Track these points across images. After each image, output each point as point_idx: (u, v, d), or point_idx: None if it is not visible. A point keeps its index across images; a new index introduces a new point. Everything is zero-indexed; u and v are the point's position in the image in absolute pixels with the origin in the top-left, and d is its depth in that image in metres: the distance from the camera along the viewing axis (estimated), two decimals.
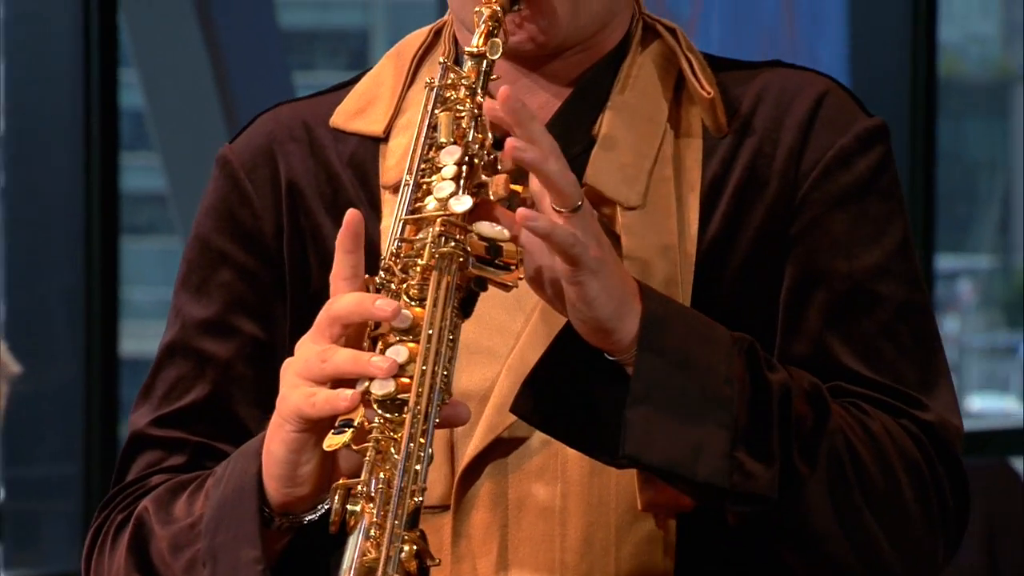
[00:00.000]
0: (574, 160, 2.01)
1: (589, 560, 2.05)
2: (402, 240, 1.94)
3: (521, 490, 2.07)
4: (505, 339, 2.07)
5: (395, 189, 2.06)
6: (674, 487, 2.00)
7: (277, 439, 1.95)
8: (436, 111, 1.99)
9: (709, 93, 2.10)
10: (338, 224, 2.01)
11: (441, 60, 2.03)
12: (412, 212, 1.95)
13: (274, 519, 1.98)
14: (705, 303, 2.06)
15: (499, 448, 2.07)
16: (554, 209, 1.90)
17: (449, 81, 1.99)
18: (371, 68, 2.18)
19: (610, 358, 1.99)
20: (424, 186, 1.95)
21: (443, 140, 1.97)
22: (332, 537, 1.92)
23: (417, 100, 2.07)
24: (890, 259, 2.11)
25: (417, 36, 2.17)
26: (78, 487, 5.03)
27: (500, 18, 2.00)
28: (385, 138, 2.14)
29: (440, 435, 2.00)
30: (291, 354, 2.00)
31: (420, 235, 1.93)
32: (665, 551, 2.06)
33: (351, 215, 1.93)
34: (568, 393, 1.99)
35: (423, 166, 1.97)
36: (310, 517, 1.98)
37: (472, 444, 2.06)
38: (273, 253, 2.14)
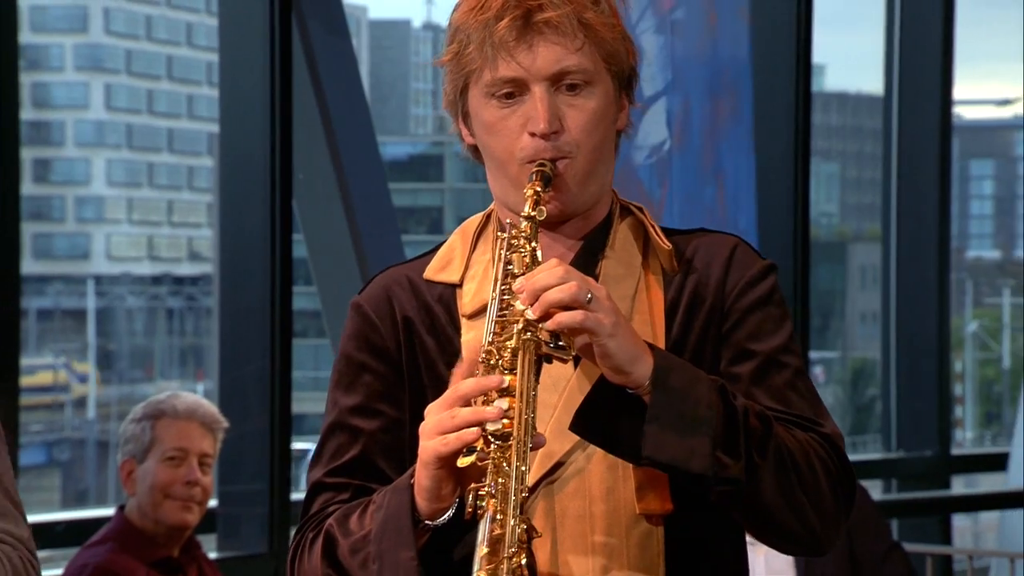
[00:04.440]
0: None
1: (609, 549, 2.03)
2: (495, 334, 1.96)
3: (562, 505, 2.04)
4: (547, 410, 2.03)
5: (470, 316, 2.08)
6: (676, 478, 2.00)
7: (424, 476, 1.96)
8: (508, 253, 2.01)
9: (667, 246, 2.09)
10: (435, 340, 2.09)
11: (508, 222, 2.05)
12: (500, 316, 1.97)
13: (420, 524, 1.98)
14: None
15: (547, 478, 2.03)
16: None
17: (513, 234, 2.00)
18: (445, 240, 2.17)
19: (630, 392, 1.96)
20: (505, 301, 1.98)
21: (516, 271, 1.99)
22: (453, 532, 1.95)
23: (478, 260, 2.10)
24: (786, 342, 2.10)
25: (474, 219, 2.16)
26: (265, 498, 4.96)
27: (540, 196, 2.01)
28: (460, 284, 2.11)
29: None
30: (413, 426, 2.00)
31: (506, 331, 1.95)
32: (657, 540, 2.05)
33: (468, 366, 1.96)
34: (605, 418, 1.96)
35: (503, 287, 1.99)
36: (443, 519, 1.97)
37: (530, 478, 1.99)
38: (396, 361, 2.11)
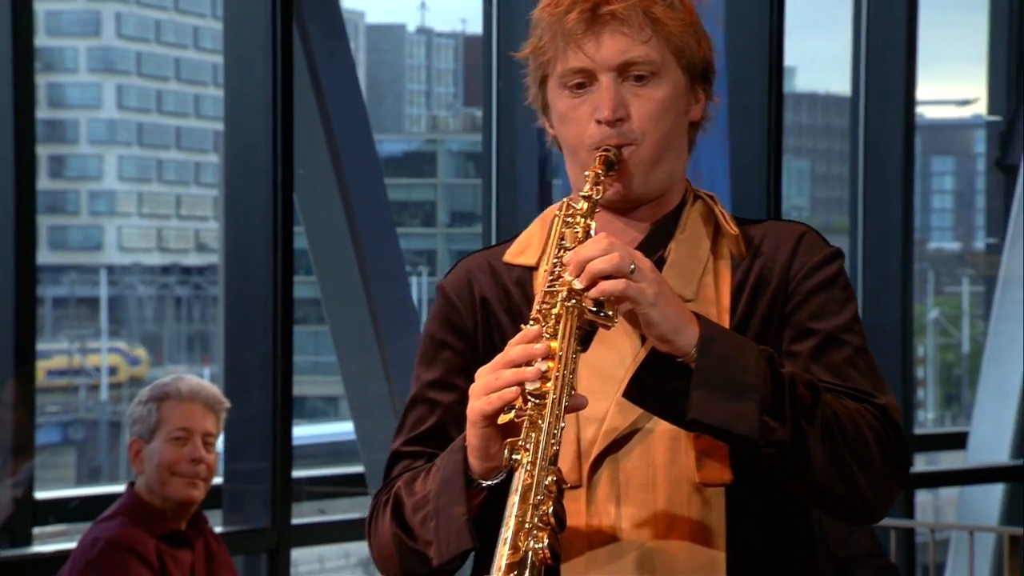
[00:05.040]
0: None
1: (670, 516, 2.01)
2: (543, 302, 1.94)
3: (627, 472, 2.02)
4: (613, 385, 2.02)
5: None
6: (723, 441, 1.97)
7: (472, 436, 1.95)
8: (563, 228, 2.00)
9: (734, 231, 2.09)
10: (511, 320, 2.09)
11: (566, 200, 2.03)
12: (550, 287, 1.95)
13: (473, 483, 1.97)
14: None
15: (612, 449, 2.03)
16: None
17: (570, 212, 1.99)
18: (525, 229, 2.16)
19: (679, 360, 1.96)
20: (556, 273, 1.96)
21: (568, 245, 1.97)
22: (504, 494, 1.91)
23: (554, 245, 2.07)
24: (848, 322, 2.06)
25: (554, 207, 2.14)
26: (267, 475, 4.96)
27: (600, 177, 2.00)
28: (536, 267, 2.10)
29: (573, 443, 2.02)
30: None
31: (552, 299, 1.94)
32: (718, 508, 2.01)
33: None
34: (656, 384, 1.96)
35: (555, 261, 1.97)
36: (497, 479, 1.96)
37: (596, 447, 2.02)
38: (473, 339, 2.11)
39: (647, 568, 2.01)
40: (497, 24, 5.64)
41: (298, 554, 5.15)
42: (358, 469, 5.80)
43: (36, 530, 4.67)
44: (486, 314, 2.10)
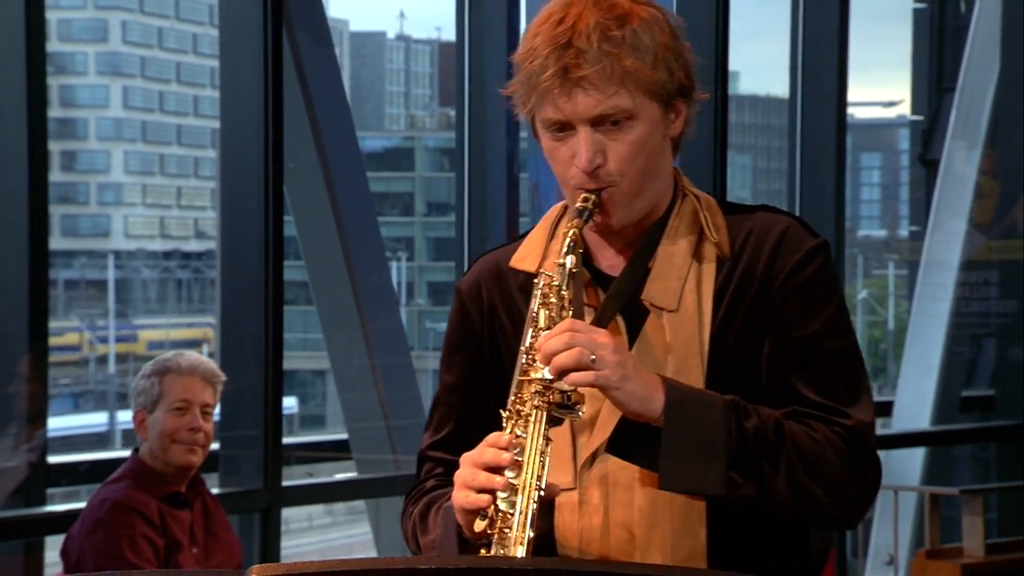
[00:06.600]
0: (639, 286, 1.99)
1: (653, 515, 1.99)
2: (516, 393, 1.92)
3: (615, 475, 1.99)
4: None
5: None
6: None
7: (458, 515, 1.94)
8: (538, 306, 1.94)
9: (715, 238, 2.01)
10: (511, 324, 2.04)
11: (542, 271, 1.97)
12: (524, 373, 1.92)
13: (469, 543, 1.94)
14: (716, 363, 1.97)
15: (601, 452, 1.99)
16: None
17: (546, 280, 1.93)
18: (532, 228, 2.11)
19: (653, 424, 1.92)
20: (532, 355, 1.92)
21: (542, 326, 1.92)
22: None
23: (555, 249, 2.00)
24: (826, 324, 1.98)
25: (555, 208, 2.09)
26: (260, 442, 4.93)
27: (577, 238, 1.94)
28: (535, 274, 2.03)
29: (566, 445, 1.98)
30: (496, 400, 1.99)
31: (527, 389, 1.91)
32: (699, 508, 1.99)
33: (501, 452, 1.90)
34: (632, 445, 1.93)
35: (531, 341, 1.93)
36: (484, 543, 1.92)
37: (586, 450, 2.00)
38: (481, 343, 2.07)
39: (634, 559, 1.97)
40: (469, 32, 5.63)
41: (288, 512, 5.14)
42: (343, 436, 5.79)
43: (49, 491, 4.67)
44: (492, 319, 2.06)
